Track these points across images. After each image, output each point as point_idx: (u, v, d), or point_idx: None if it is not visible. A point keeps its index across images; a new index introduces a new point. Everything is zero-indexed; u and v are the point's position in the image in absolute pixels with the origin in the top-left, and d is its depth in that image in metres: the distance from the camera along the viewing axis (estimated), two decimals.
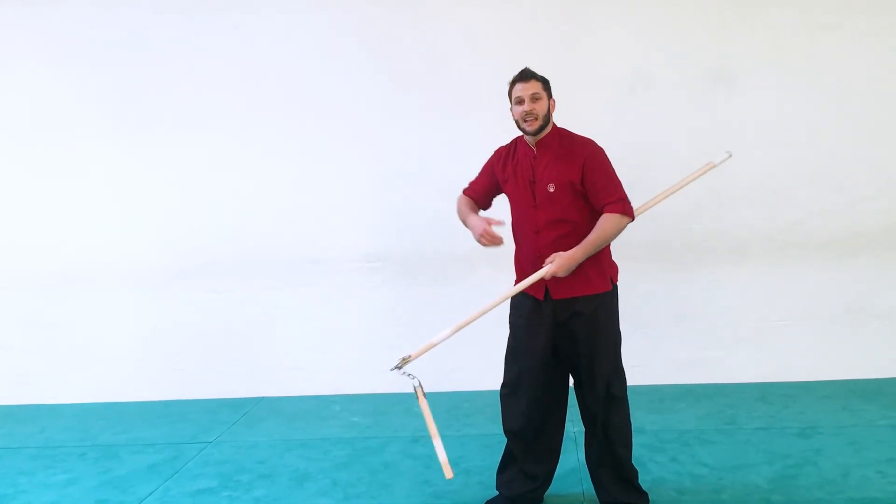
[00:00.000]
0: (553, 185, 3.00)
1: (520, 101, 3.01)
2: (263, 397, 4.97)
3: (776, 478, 3.44)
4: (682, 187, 3.26)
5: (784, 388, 4.59)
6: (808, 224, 4.66)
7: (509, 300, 3.20)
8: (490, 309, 3.03)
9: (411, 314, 4.87)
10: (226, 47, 4.84)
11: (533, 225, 3.06)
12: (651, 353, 4.78)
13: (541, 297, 3.07)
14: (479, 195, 3.28)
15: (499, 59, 4.54)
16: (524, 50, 4.59)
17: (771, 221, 4.66)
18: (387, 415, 4.54)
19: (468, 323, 3.07)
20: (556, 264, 2.92)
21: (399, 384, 4.87)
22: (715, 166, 3.08)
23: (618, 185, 3.05)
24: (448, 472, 2.96)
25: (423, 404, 3.01)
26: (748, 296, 4.73)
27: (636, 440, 3.80)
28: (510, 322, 3.24)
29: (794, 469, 3.52)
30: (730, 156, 3.07)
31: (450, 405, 4.64)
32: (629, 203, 3.03)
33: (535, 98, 2.99)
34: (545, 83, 3.05)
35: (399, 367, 3.07)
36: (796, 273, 4.70)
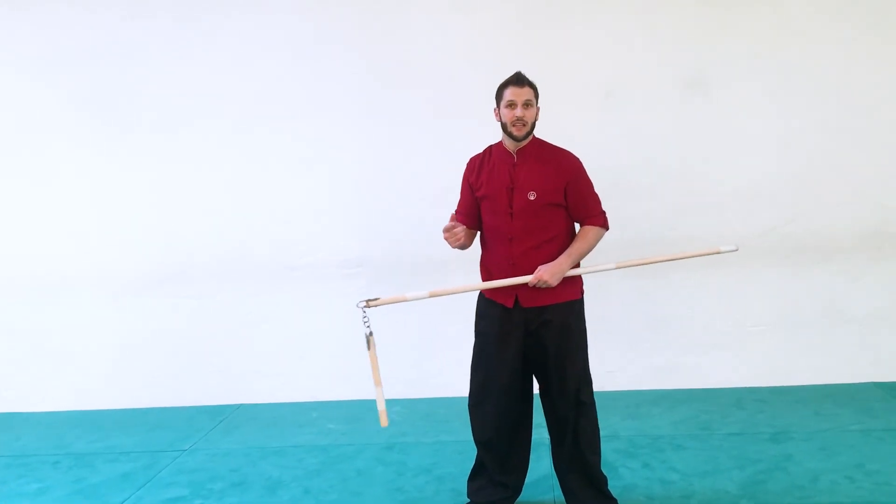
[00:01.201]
0: (534, 194, 3.01)
1: (511, 105, 3.00)
2: (242, 404, 4.97)
3: (746, 483, 3.46)
4: (680, 258, 3.27)
5: (759, 393, 4.61)
6: (782, 230, 4.68)
7: (476, 308, 3.22)
8: (470, 289, 3.12)
9: (388, 321, 4.81)
10: (205, 52, 4.83)
11: (507, 232, 3.05)
12: (627, 359, 4.80)
13: (510, 304, 3.08)
14: (464, 215, 3.21)
15: (477, 65, 4.60)
16: (501, 56, 4.63)
17: (745, 227, 4.68)
18: (363, 421, 4.54)
19: (445, 293, 3.13)
20: (547, 273, 2.94)
21: (374, 391, 4.92)
22: (720, 252, 3.09)
23: (598, 198, 3.16)
24: (383, 421, 3.05)
25: (372, 355, 3.03)
26: (724, 301, 4.76)
27: (610, 446, 3.85)
28: (477, 331, 3.23)
29: (764, 475, 3.53)
30: (736, 249, 3.09)
31: (427, 411, 4.65)
32: (606, 216, 3.15)
33: (527, 104, 3.00)
34: (536, 90, 3.07)
35: (364, 307, 3.03)
36: (771, 278, 4.73)
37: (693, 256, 3.26)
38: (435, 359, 4.91)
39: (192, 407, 4.94)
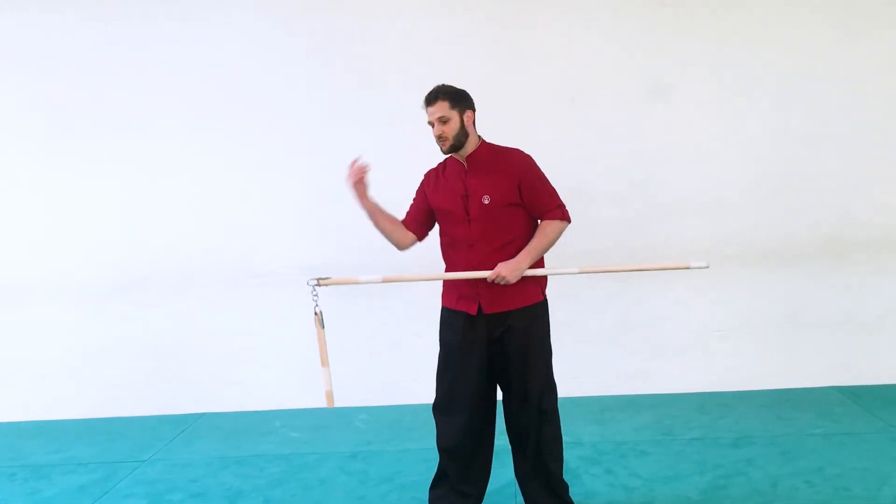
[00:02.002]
0: (488, 198, 3.00)
1: (431, 125, 3.02)
2: (204, 413, 4.90)
3: (707, 489, 3.47)
4: (647, 270, 3.27)
5: (722, 398, 4.63)
6: (745, 235, 4.72)
7: (439, 317, 3.20)
8: (424, 279, 3.13)
9: (352, 328, 4.83)
10: (167, 56, 4.76)
11: (467, 238, 3.03)
12: (592, 364, 4.81)
13: (473, 311, 3.06)
14: (413, 222, 3.22)
15: (442, 70, 4.54)
16: (466, 62, 4.63)
17: (708, 232, 4.72)
18: (326, 429, 4.51)
19: (399, 280, 3.18)
20: (506, 268, 2.92)
21: (341, 398, 4.88)
22: (689, 268, 3.08)
23: (554, 191, 3.10)
24: (329, 402, 3.06)
25: (320, 333, 3.03)
26: (687, 306, 4.79)
27: (574, 452, 3.85)
28: (441, 339, 3.20)
29: (724, 480, 3.55)
30: (707, 266, 3.08)
31: (392, 419, 4.62)
32: (566, 208, 3.11)
33: (442, 121, 2.98)
34: (454, 99, 3.00)
35: (315, 285, 3.01)
36: (734, 284, 4.76)
37: (662, 269, 3.25)
38: (400, 366, 4.88)
39: (153, 416, 4.87)
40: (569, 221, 3.10)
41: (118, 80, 4.78)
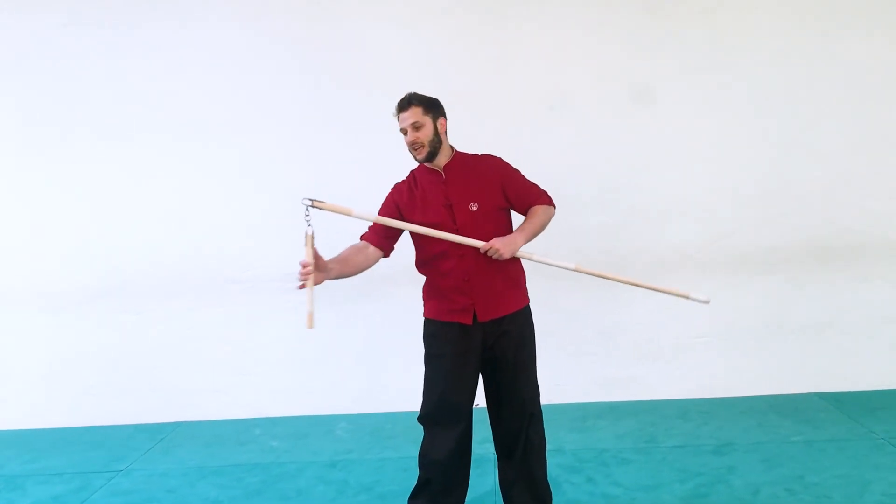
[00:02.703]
0: (475, 204, 2.97)
1: (403, 132, 2.99)
2: (182, 422, 4.84)
3: (688, 497, 3.45)
4: (648, 288, 3.20)
5: (703, 405, 4.62)
6: (726, 240, 4.72)
7: (425, 329, 3.14)
8: (420, 230, 2.94)
9: (333, 335, 4.79)
10: (144, 62, 4.72)
11: (458, 248, 2.97)
12: (574, 371, 4.79)
13: (469, 321, 3.01)
14: (380, 236, 3.10)
15: (421, 78, 4.52)
16: (446, 68, 4.61)
17: (690, 238, 4.71)
18: (307, 438, 4.46)
19: (392, 223, 2.98)
20: (500, 242, 2.87)
21: (321, 406, 4.85)
22: (688, 298, 3.08)
23: (533, 183, 3.13)
24: (309, 324, 2.88)
25: (308, 252, 2.88)
26: (669, 312, 4.76)
27: (555, 461, 3.82)
28: (431, 353, 3.11)
29: (706, 488, 3.53)
30: (708, 301, 3.09)
31: (373, 427, 4.57)
32: (549, 194, 3.14)
33: (415, 127, 2.95)
34: (427, 105, 2.98)
35: (309, 205, 2.90)
36: (715, 289, 4.69)
37: (661, 291, 3.18)
38: (381, 374, 4.84)
39: (130, 425, 4.80)
40: (555, 207, 3.13)
41: (98, 86, 4.73)
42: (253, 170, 4.74)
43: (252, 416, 4.85)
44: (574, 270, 3.06)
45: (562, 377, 4.77)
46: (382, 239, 3.09)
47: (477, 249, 2.92)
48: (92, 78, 4.74)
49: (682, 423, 4.38)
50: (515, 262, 3.07)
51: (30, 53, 4.72)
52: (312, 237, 2.83)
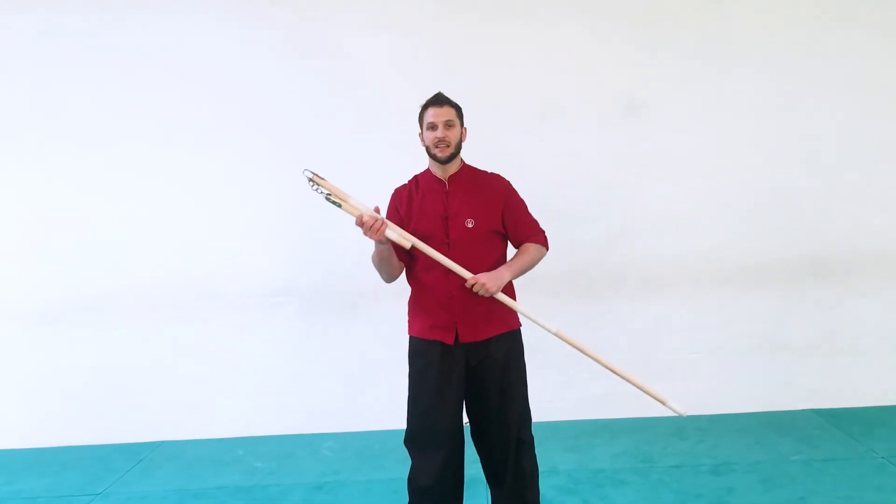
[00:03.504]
0: (472, 221, 2.87)
1: (432, 127, 2.86)
2: (163, 441, 4.67)
3: None
4: (629, 381, 3.00)
5: (699, 422, 4.52)
6: (719, 254, 4.64)
7: (409, 347, 3.02)
8: (409, 243, 2.81)
9: (319, 351, 4.67)
10: (125, 74, 4.57)
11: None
12: (566, 388, 4.68)
13: (451, 341, 2.90)
14: (396, 248, 2.98)
15: (411, 87, 4.41)
16: (435, 78, 4.48)
17: (682, 252, 4.63)
18: (292, 458, 4.31)
19: (419, 246, 2.81)
20: (486, 277, 2.77)
21: (306, 424, 4.71)
22: (665, 404, 2.90)
23: (533, 218, 3.05)
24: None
25: (328, 186, 2.80)
26: (662, 328, 4.68)
27: (550, 482, 3.72)
28: (413, 371, 3.01)
29: None
30: (685, 414, 2.93)
31: (361, 446, 4.43)
32: (546, 235, 3.05)
33: (448, 125, 2.86)
34: (458, 110, 2.93)
35: (310, 177, 2.81)
36: (708, 304, 4.67)
37: (640, 388, 3.00)
38: (369, 391, 4.70)
39: (108, 445, 4.63)
40: (548, 249, 3.05)
41: (75, 95, 4.57)
42: (236, 182, 4.59)
43: (235, 436, 4.69)
44: (554, 334, 2.91)
45: (554, 395, 4.66)
46: (398, 250, 2.94)
47: (465, 266, 2.82)
48: (69, 88, 4.58)
49: (678, 441, 4.28)
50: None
51: (6, 63, 4.57)
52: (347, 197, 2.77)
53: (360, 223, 2.71)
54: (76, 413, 4.70)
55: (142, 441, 4.67)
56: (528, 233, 3.00)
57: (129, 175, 4.61)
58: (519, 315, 3.01)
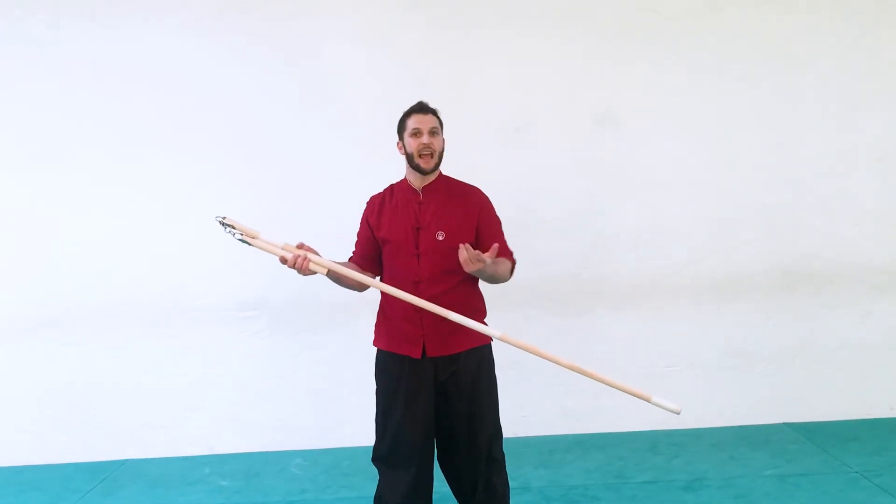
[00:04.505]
0: (443, 234, 2.80)
1: (417, 134, 2.79)
2: (127, 460, 4.55)
3: None
4: (612, 385, 2.81)
5: (674, 437, 4.47)
6: (693, 267, 4.61)
7: (376, 362, 2.96)
8: (358, 279, 2.75)
9: (289, 366, 4.57)
10: (87, 81, 4.46)
11: (413, 275, 2.80)
12: (539, 402, 4.61)
13: (417, 355, 2.82)
14: (363, 258, 2.96)
15: (383, 99, 4.34)
16: (407, 90, 4.42)
17: (656, 265, 4.60)
18: (259, 476, 4.21)
19: (338, 270, 2.74)
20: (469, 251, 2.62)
21: (275, 442, 4.61)
22: (650, 401, 2.67)
23: (505, 241, 2.95)
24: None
25: (242, 228, 2.77)
26: (636, 341, 4.63)
27: (521, 499, 3.66)
28: (380, 389, 2.94)
29: None
30: (678, 412, 2.67)
31: (330, 464, 4.34)
32: (514, 258, 2.97)
33: (433, 132, 2.81)
34: (441, 121, 2.88)
35: (221, 221, 2.77)
36: (683, 317, 4.63)
37: (620, 389, 2.84)
38: (338, 407, 4.60)
39: (70, 464, 4.49)
40: (512, 274, 2.94)
41: (34, 104, 4.46)
42: (206, 194, 4.48)
43: (201, 454, 4.57)
44: (499, 339, 2.74)
45: (527, 408, 4.60)
46: (368, 260, 2.95)
47: (434, 279, 2.76)
48: (29, 98, 4.46)
49: (651, 456, 4.23)
50: (474, 295, 2.90)
51: None
52: (257, 236, 2.77)
53: (285, 263, 2.70)
54: (38, 432, 4.56)
55: (104, 459, 4.54)
56: (500, 252, 2.86)
57: (97, 187, 4.49)
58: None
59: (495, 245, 2.67)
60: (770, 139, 4.60)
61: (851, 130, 4.62)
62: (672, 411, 2.64)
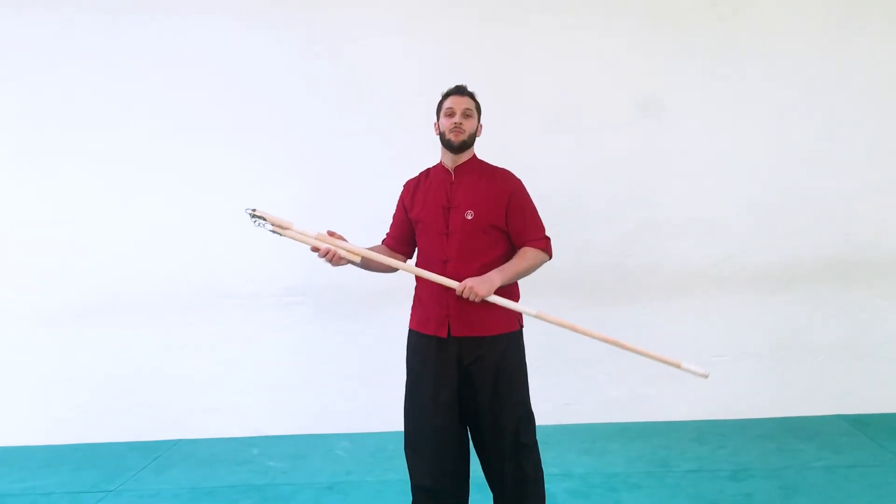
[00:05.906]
0: (471, 213, 2.81)
1: (450, 114, 2.85)
2: (179, 440, 4.68)
3: None
4: (642, 353, 2.90)
5: (719, 427, 4.43)
6: (741, 257, 4.54)
7: (406, 341, 2.99)
8: (386, 262, 2.86)
9: (334, 351, 4.64)
10: (137, 67, 4.58)
11: (442, 254, 2.83)
12: (583, 391, 4.60)
13: (444, 334, 2.83)
14: (395, 240, 3.05)
15: (425, 89, 4.37)
16: (450, 79, 4.44)
17: (703, 255, 4.54)
18: (305, 458, 4.29)
19: (370, 256, 2.85)
20: (475, 281, 2.68)
21: (322, 425, 4.69)
22: (680, 367, 2.80)
23: (540, 222, 2.93)
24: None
25: (305, 236, 2.83)
26: (682, 331, 4.58)
27: (562, 485, 3.65)
28: (410, 368, 2.97)
29: None
30: (707, 376, 2.80)
31: (375, 446, 4.40)
32: (550, 241, 2.93)
33: (466, 114, 2.85)
34: (478, 104, 2.93)
35: (251, 213, 2.82)
36: (730, 307, 4.57)
37: (649, 357, 2.89)
38: (383, 391, 4.65)
39: (123, 443, 4.64)
40: (550, 257, 2.93)
41: (83, 90, 4.59)
42: (250, 180, 4.58)
43: (250, 435, 4.69)
44: (535, 317, 2.77)
45: (572, 397, 4.59)
46: (401, 243, 3.05)
47: (463, 258, 2.78)
48: (75, 83, 4.59)
49: (696, 445, 4.19)
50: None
51: (8, 62, 4.60)
52: (290, 227, 2.81)
53: (317, 251, 2.83)
54: (93, 412, 4.72)
55: (157, 439, 4.68)
56: (530, 237, 2.87)
57: (146, 177, 4.62)
58: (519, 316, 2.92)
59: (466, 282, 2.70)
60: (824, 125, 4.50)
61: None
62: (701, 375, 2.72)
